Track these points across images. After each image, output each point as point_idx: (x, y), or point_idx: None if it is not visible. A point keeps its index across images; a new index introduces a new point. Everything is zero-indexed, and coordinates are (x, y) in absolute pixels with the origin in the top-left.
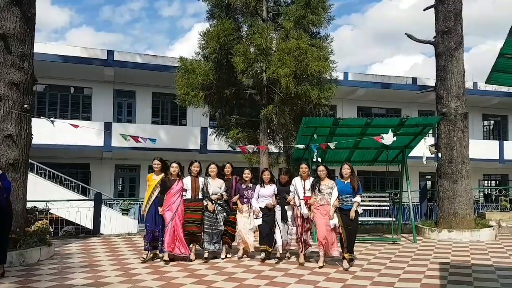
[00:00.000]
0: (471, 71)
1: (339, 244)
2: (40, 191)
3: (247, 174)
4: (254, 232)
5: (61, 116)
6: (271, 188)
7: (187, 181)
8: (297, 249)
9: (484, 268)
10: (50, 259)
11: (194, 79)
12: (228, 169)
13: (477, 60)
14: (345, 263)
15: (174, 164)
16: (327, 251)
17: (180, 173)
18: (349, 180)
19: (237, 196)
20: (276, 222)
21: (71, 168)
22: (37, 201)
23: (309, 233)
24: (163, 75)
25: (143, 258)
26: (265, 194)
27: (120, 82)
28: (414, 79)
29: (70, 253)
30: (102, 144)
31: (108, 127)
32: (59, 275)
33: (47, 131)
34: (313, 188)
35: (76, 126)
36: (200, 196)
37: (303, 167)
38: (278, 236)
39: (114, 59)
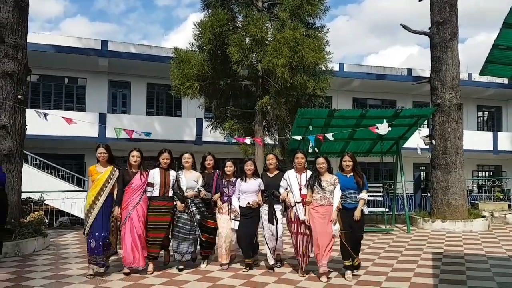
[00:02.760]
0: (466, 62)
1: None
2: (35, 182)
3: (229, 167)
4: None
5: (55, 107)
6: (255, 183)
7: (155, 174)
8: (300, 263)
9: (477, 257)
10: (45, 250)
11: (188, 70)
12: (209, 161)
13: (472, 51)
14: (348, 274)
15: (135, 153)
16: (319, 261)
17: (141, 164)
18: (351, 174)
19: (218, 194)
20: (263, 225)
21: (65, 159)
22: (32, 192)
23: (309, 242)
24: (158, 65)
25: (91, 275)
26: (247, 190)
27: (115, 73)
28: (409, 70)
29: (65, 243)
30: (96, 135)
31: (102, 118)
32: (54, 266)
33: (41, 122)
34: (311, 184)
35: (69, 121)
36: (170, 194)
37: (299, 156)
38: (268, 241)
39: (108, 49)
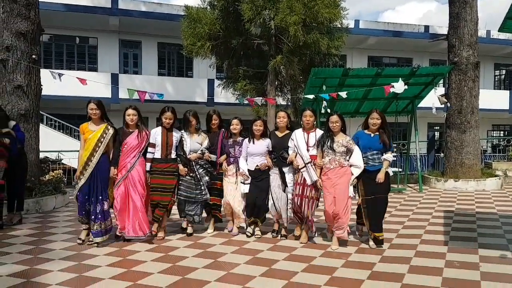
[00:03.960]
0: (484, 19)
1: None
2: (51, 142)
3: (235, 125)
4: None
5: (68, 67)
6: (264, 144)
7: (156, 133)
8: (294, 221)
9: (489, 216)
10: (65, 207)
11: (200, 29)
12: (214, 121)
13: (491, 7)
14: (372, 242)
15: (130, 110)
16: (332, 229)
17: (140, 123)
18: (376, 133)
19: (224, 156)
20: (270, 190)
21: (79, 119)
22: (49, 151)
23: (314, 206)
24: (169, 24)
25: (81, 239)
26: (255, 152)
27: (125, 32)
28: (426, 27)
29: None
30: (109, 96)
31: (114, 79)
32: (75, 222)
33: (55, 83)
34: (321, 144)
35: (84, 82)
36: (173, 156)
37: (307, 114)
38: (276, 207)
39: (119, 7)
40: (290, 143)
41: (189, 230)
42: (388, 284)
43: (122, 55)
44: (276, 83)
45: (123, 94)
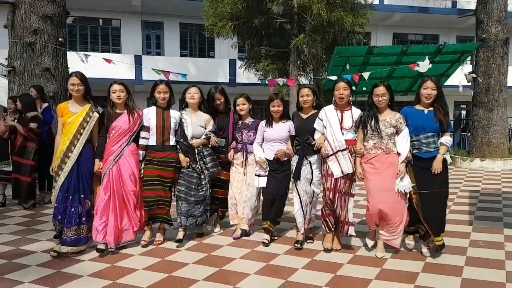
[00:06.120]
0: None
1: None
2: None
3: (241, 105)
4: (256, 199)
5: (92, 49)
6: (285, 128)
7: (149, 114)
8: (323, 228)
9: None
10: None
11: (222, 8)
12: (219, 100)
13: None
14: (425, 249)
15: (116, 86)
16: (384, 237)
17: (129, 101)
18: (431, 109)
19: (233, 143)
20: (295, 184)
21: (105, 101)
22: None
23: (349, 204)
24: (191, 4)
25: (55, 252)
26: (273, 138)
27: (148, 13)
28: (454, 3)
29: None
30: (133, 77)
31: (138, 60)
32: None
33: (80, 65)
34: (362, 124)
35: (109, 61)
36: (172, 143)
37: (341, 86)
38: (297, 207)
39: None
40: (317, 124)
41: (179, 235)
42: (412, 262)
43: (144, 36)
44: (298, 62)
45: (146, 75)
